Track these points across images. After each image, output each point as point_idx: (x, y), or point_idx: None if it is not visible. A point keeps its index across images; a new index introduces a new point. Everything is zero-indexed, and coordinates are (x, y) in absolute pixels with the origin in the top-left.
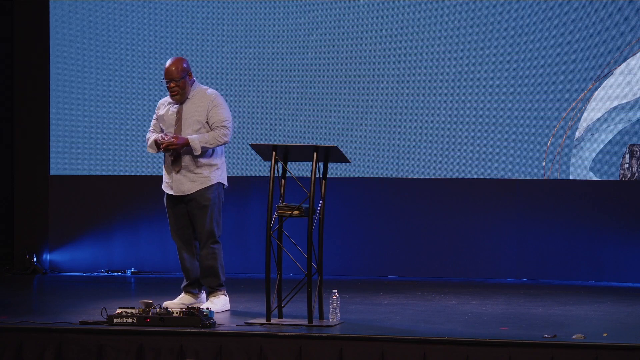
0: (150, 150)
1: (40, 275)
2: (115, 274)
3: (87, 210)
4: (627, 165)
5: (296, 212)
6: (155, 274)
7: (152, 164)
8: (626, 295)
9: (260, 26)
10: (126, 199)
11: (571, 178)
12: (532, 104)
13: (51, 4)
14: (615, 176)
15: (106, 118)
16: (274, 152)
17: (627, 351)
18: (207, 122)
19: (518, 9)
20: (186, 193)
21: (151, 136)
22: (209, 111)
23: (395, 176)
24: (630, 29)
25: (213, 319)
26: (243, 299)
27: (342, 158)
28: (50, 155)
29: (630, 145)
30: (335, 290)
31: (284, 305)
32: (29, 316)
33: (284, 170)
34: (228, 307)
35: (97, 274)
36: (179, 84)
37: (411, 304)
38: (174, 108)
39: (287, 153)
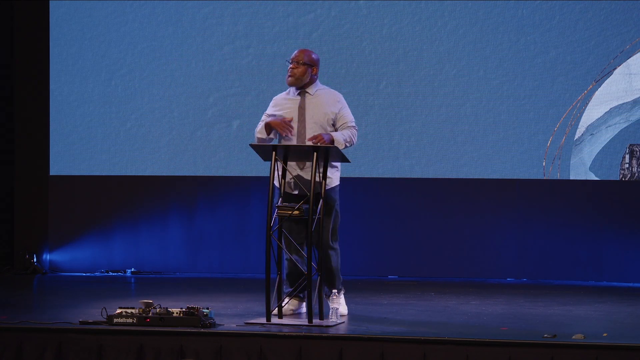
0: (259, 136)
1: (40, 275)
2: (115, 274)
3: (87, 210)
4: (627, 165)
5: (296, 212)
6: (155, 274)
7: (152, 164)
8: (626, 295)
9: (260, 26)
10: (126, 199)
11: (571, 178)
12: (532, 104)
13: (51, 4)
14: (615, 176)
15: (106, 118)
16: (274, 152)
17: (627, 351)
18: (335, 121)
19: (518, 9)
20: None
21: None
22: (339, 110)
23: (395, 176)
24: (630, 29)
25: (213, 319)
26: (243, 299)
27: (342, 158)
28: (50, 155)
29: (630, 145)
30: (335, 290)
31: (284, 305)
32: (29, 316)
33: (284, 170)
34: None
35: (97, 274)
36: (298, 68)
37: (411, 304)
38: (291, 104)
39: (287, 153)
